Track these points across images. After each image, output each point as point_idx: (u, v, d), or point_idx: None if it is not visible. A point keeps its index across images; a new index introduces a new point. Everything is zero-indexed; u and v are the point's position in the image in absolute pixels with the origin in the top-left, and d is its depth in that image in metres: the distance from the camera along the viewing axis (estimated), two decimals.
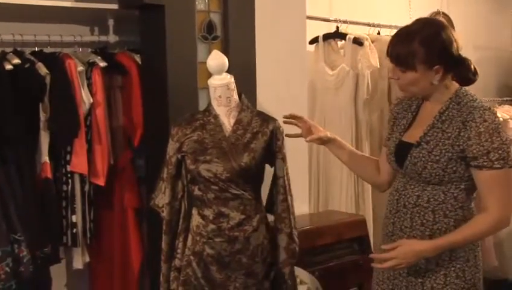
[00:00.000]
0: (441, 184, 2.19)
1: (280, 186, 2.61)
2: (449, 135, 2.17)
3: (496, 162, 2.12)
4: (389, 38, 3.99)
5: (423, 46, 2.14)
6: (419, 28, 2.18)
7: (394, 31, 4.23)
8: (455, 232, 2.19)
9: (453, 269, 2.22)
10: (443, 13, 5.32)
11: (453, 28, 5.37)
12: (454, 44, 2.18)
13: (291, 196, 2.65)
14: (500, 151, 2.11)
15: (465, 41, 5.64)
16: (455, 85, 2.25)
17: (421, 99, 2.34)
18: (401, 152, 2.29)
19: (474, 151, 2.12)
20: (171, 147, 2.54)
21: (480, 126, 2.12)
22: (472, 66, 2.24)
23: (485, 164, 2.13)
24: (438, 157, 2.18)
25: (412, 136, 2.29)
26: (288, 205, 2.62)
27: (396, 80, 2.24)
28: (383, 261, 2.19)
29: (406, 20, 4.48)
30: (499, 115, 4.72)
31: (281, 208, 2.62)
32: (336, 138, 2.55)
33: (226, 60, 2.53)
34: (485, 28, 5.76)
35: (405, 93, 2.33)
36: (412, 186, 2.26)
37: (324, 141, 2.53)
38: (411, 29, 2.20)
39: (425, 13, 5.18)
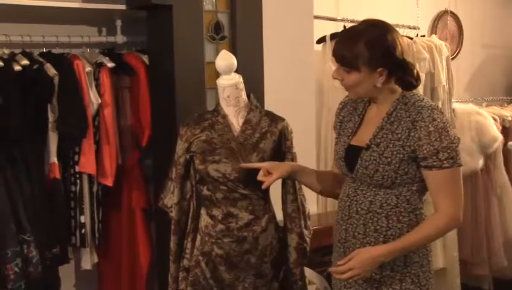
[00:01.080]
0: (393, 187, 2.17)
1: (290, 187, 2.61)
2: (399, 136, 2.15)
3: (445, 162, 2.11)
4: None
5: (367, 47, 2.12)
6: (365, 29, 2.16)
7: (402, 30, 4.27)
8: (409, 234, 2.17)
9: (408, 274, 2.20)
10: (451, 12, 5.31)
11: (461, 26, 5.38)
12: (399, 48, 2.15)
13: (302, 195, 2.65)
14: (449, 151, 2.10)
15: (474, 40, 5.67)
16: (398, 88, 2.23)
17: (367, 102, 2.32)
18: (351, 156, 2.26)
19: (425, 151, 2.11)
20: (180, 147, 2.54)
21: (430, 125, 2.10)
22: (415, 71, 2.21)
23: (435, 164, 2.11)
24: (389, 159, 2.15)
25: (361, 139, 2.26)
26: (298, 205, 2.62)
27: (341, 80, 2.22)
28: (342, 274, 2.14)
29: (413, 19, 4.52)
30: (507, 114, 4.75)
31: (291, 208, 2.62)
32: (300, 168, 2.47)
33: (234, 60, 2.53)
34: (493, 27, 5.74)
35: (350, 95, 2.30)
36: (364, 192, 2.23)
37: (288, 176, 2.46)
38: (357, 30, 2.19)
39: (433, 12, 5.19)
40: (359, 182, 2.24)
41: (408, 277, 2.20)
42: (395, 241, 2.17)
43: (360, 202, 2.23)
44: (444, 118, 2.13)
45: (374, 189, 2.20)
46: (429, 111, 2.13)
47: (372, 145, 2.20)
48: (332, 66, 3.87)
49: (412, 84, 2.20)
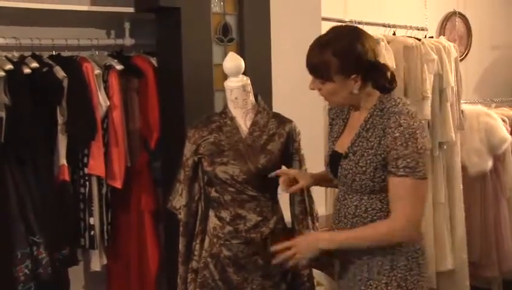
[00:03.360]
0: (375, 193, 2.16)
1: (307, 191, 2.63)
2: (372, 144, 2.14)
3: (401, 170, 2.06)
4: (405, 39, 4.01)
5: (337, 56, 2.11)
6: (332, 38, 2.15)
7: (410, 32, 4.26)
8: (355, 229, 2.17)
9: (394, 278, 2.17)
10: (459, 13, 5.30)
11: (470, 28, 5.36)
12: (370, 51, 2.13)
13: (309, 197, 2.66)
14: (408, 160, 2.05)
15: (482, 41, 5.65)
16: (376, 93, 2.20)
17: (351, 107, 2.31)
18: (335, 163, 2.27)
19: (389, 157, 2.09)
20: (188, 149, 2.55)
21: (396, 131, 2.07)
22: (388, 74, 2.17)
23: (392, 170, 2.08)
24: (364, 169, 2.14)
25: (342, 145, 2.26)
26: (305, 207, 2.63)
27: (318, 90, 2.22)
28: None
29: (421, 21, 4.51)
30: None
31: (299, 209, 2.63)
32: (321, 176, 2.51)
33: (242, 62, 2.54)
34: (501, 28, 5.71)
35: (330, 104, 2.30)
36: (350, 196, 2.22)
37: (312, 184, 2.52)
38: (324, 40, 2.17)
39: (441, 13, 5.18)
40: (345, 187, 2.24)
41: (394, 280, 2.17)
42: (340, 231, 2.21)
43: (347, 206, 2.23)
44: (415, 124, 2.07)
45: (358, 194, 2.19)
46: (396, 116, 2.09)
47: (350, 154, 2.19)
48: None
49: (387, 87, 2.17)
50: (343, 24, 2.24)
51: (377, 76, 2.16)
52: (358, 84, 2.14)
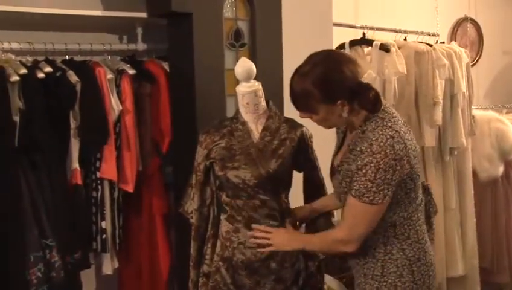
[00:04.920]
0: None
1: (315, 192, 2.68)
2: (350, 166, 2.18)
3: (353, 191, 2.13)
4: (416, 45, 4.01)
5: (316, 87, 2.13)
6: (309, 70, 2.16)
7: (421, 37, 4.26)
8: (312, 235, 2.46)
9: (384, 283, 2.24)
10: (470, 19, 5.29)
11: (481, 33, 5.35)
12: (349, 76, 2.14)
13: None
14: (361, 185, 2.10)
15: (494, 47, 5.64)
16: (363, 113, 2.20)
17: None
18: (331, 174, 2.37)
19: (353, 177, 2.14)
20: (200, 153, 2.56)
21: (358, 159, 2.11)
22: (371, 95, 2.15)
23: (349, 185, 2.16)
24: (345, 189, 2.21)
25: (338, 160, 2.33)
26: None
27: (310, 118, 2.25)
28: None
29: (433, 26, 4.51)
30: None
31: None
32: (320, 205, 2.65)
33: (253, 67, 2.54)
34: None
35: (325, 128, 2.32)
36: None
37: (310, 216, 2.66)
38: (302, 72, 2.18)
39: (452, 19, 5.18)
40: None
41: (384, 286, 2.24)
42: (304, 235, 2.53)
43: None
44: (381, 153, 2.07)
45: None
46: (366, 144, 2.11)
47: (337, 172, 2.27)
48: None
49: (371, 109, 2.17)
50: (319, 51, 2.24)
51: (360, 99, 2.16)
52: (347, 108, 2.17)
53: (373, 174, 2.08)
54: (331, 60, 2.18)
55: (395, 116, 2.19)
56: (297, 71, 2.22)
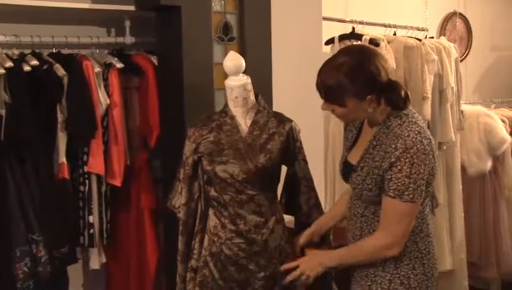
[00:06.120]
0: (380, 204, 2.21)
1: (304, 186, 2.65)
2: (377, 163, 2.17)
3: (390, 191, 2.12)
4: (405, 40, 4.01)
5: (349, 80, 2.11)
6: (344, 61, 2.14)
7: (410, 32, 4.26)
8: (350, 247, 2.32)
9: (397, 275, 2.25)
10: (460, 14, 5.30)
11: (470, 28, 5.36)
12: (382, 71, 2.14)
13: (314, 191, 2.70)
14: (399, 183, 2.10)
15: (483, 42, 5.66)
16: (387, 108, 2.21)
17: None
18: (346, 171, 2.34)
19: (385, 177, 2.14)
20: (188, 147, 2.55)
21: (392, 156, 2.11)
22: (403, 93, 2.17)
23: (385, 189, 2.14)
24: (370, 186, 2.20)
25: (354, 156, 2.31)
26: (315, 202, 2.68)
27: (332, 111, 2.22)
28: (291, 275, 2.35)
29: (422, 21, 4.51)
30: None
31: (307, 207, 2.67)
32: (322, 225, 2.61)
33: (242, 61, 2.53)
34: (501, 29, 5.72)
35: (344, 121, 2.31)
36: (360, 202, 2.30)
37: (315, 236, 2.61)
38: (335, 64, 2.15)
39: (441, 14, 5.19)
40: (355, 194, 2.32)
41: (397, 278, 2.25)
42: (337, 250, 2.39)
43: (357, 206, 2.32)
44: (414, 148, 2.09)
45: (366, 203, 2.28)
46: (396, 139, 2.11)
47: (358, 169, 2.24)
48: None
49: (400, 106, 2.18)
50: (353, 45, 2.24)
51: (392, 96, 2.17)
52: (374, 104, 2.16)
53: (408, 170, 2.08)
54: (365, 53, 2.17)
55: (415, 113, 2.22)
56: (329, 62, 2.20)
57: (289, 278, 2.35)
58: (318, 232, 2.59)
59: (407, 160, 2.08)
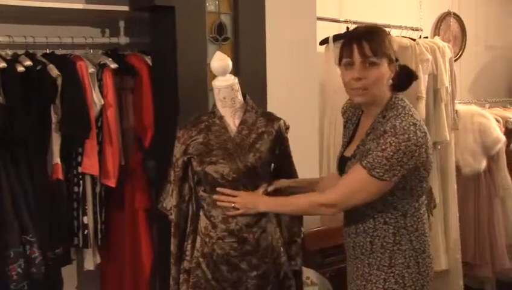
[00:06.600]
0: None
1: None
2: (368, 146, 2.19)
3: (364, 161, 2.13)
4: (399, 39, 4.01)
5: (387, 39, 2.23)
6: (376, 28, 2.30)
7: (404, 32, 4.26)
8: (284, 198, 2.46)
9: (392, 274, 2.25)
10: (454, 14, 5.31)
11: (464, 28, 5.37)
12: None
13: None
14: (377, 159, 2.10)
15: (477, 42, 5.67)
16: (389, 94, 2.25)
17: (361, 111, 2.38)
18: (342, 165, 2.36)
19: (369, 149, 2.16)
20: (177, 149, 2.55)
21: (386, 135, 2.11)
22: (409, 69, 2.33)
23: (359, 158, 2.17)
24: None
25: (350, 151, 2.33)
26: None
27: (364, 80, 2.19)
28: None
29: (416, 21, 4.52)
30: (510, 116, 4.73)
31: None
32: (301, 184, 2.62)
33: (229, 61, 2.53)
34: (496, 28, 5.73)
35: (361, 98, 2.25)
36: None
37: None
38: (377, 28, 2.29)
39: (435, 14, 5.20)
40: None
41: (392, 276, 2.25)
42: (274, 198, 2.47)
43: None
44: (404, 142, 2.09)
45: None
46: (389, 128, 2.13)
47: (352, 158, 2.26)
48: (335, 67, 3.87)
49: (403, 83, 2.28)
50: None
51: (402, 68, 2.28)
52: (392, 74, 2.23)
53: (391, 153, 2.09)
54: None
55: (413, 107, 2.25)
56: (357, 27, 2.38)
57: (222, 204, 2.44)
58: (297, 188, 2.59)
59: (393, 145, 2.09)
